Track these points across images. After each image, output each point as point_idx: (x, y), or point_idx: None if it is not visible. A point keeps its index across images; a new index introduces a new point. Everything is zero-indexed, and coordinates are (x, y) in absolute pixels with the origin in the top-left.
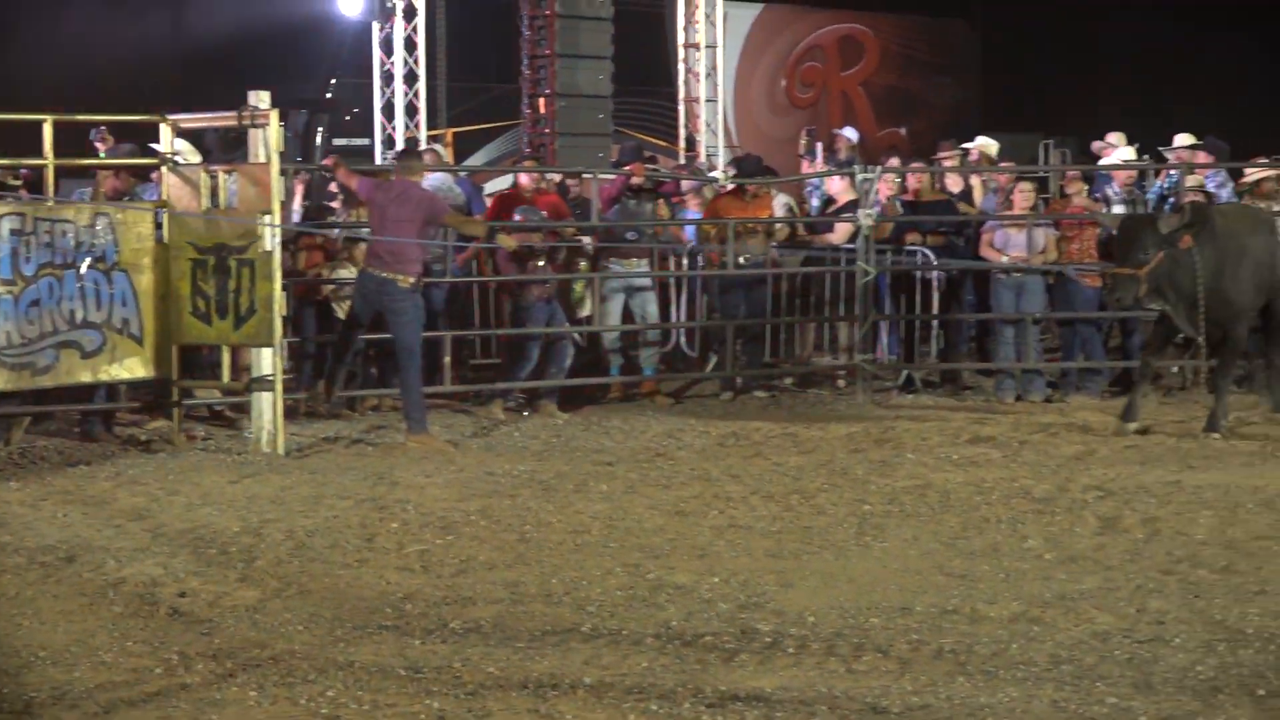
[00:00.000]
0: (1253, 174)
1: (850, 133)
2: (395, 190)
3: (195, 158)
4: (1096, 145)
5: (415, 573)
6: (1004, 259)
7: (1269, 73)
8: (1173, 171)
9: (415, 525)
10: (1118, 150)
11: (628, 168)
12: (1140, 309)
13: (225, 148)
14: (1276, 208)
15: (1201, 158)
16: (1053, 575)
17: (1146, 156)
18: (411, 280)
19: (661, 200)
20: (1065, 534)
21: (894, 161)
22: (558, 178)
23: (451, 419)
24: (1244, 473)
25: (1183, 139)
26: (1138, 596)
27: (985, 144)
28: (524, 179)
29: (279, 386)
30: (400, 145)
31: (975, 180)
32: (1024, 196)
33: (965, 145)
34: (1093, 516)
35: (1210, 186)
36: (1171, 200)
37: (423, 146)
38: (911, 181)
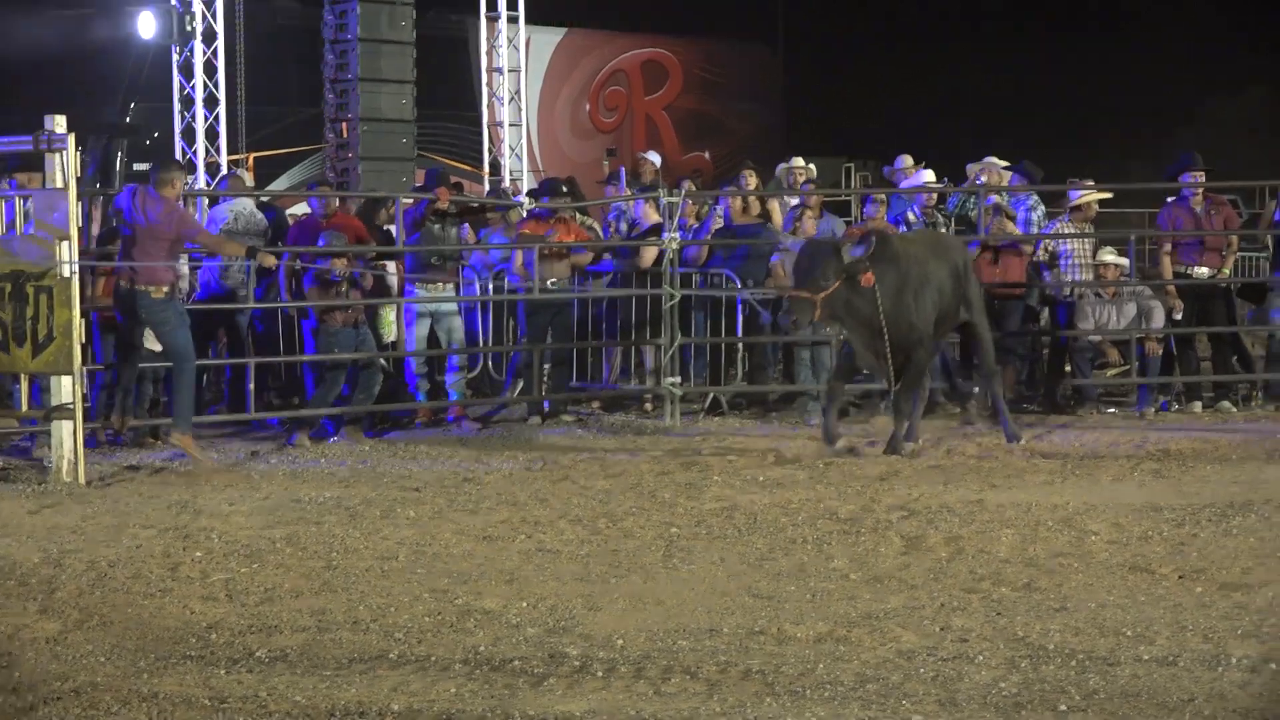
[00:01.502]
0: (1084, 196)
1: (653, 156)
2: (146, 202)
3: None
4: (887, 170)
5: (220, 601)
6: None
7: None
8: (975, 189)
9: (219, 553)
10: (919, 173)
11: (433, 192)
12: (820, 332)
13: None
14: (1089, 229)
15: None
16: (858, 595)
17: (946, 179)
18: (164, 290)
19: (466, 224)
20: (870, 554)
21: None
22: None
23: (256, 445)
24: (1044, 491)
25: (992, 160)
26: (942, 615)
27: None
28: (317, 203)
29: (79, 415)
30: (201, 169)
31: (773, 203)
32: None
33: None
34: (897, 536)
35: (1021, 212)
36: (972, 215)
37: (224, 171)
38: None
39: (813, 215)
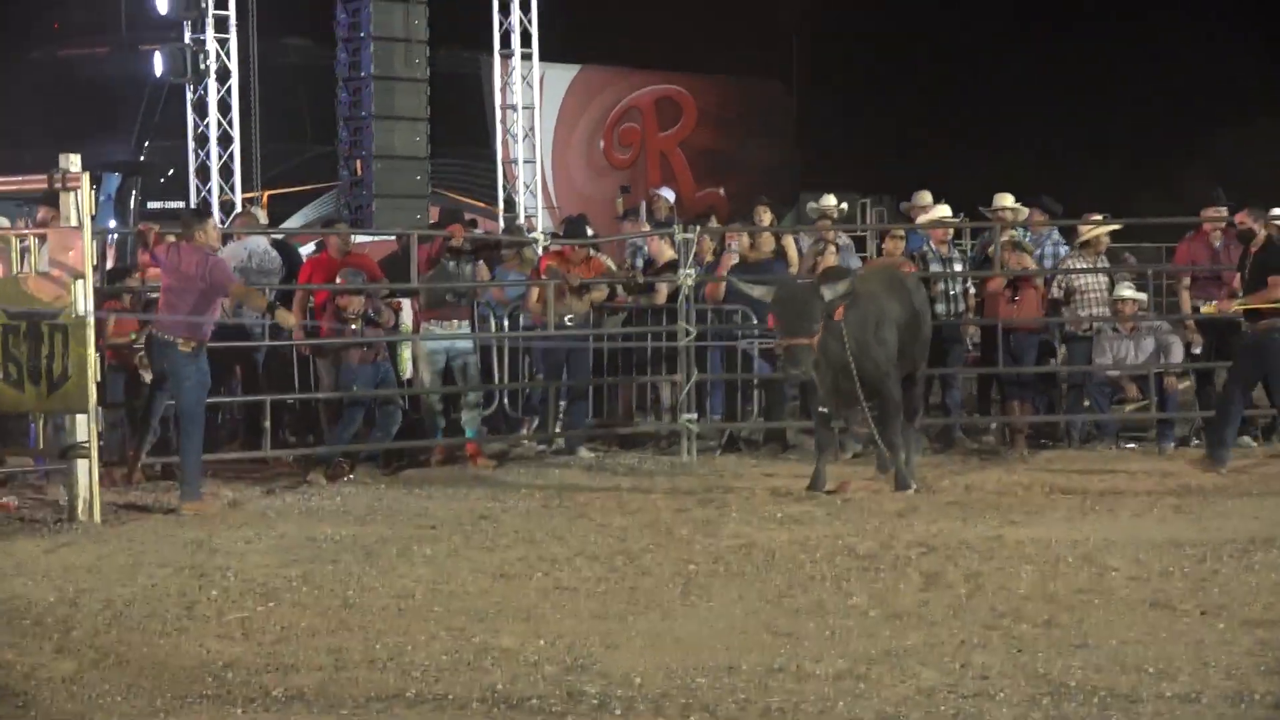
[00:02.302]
0: (1091, 230)
1: (667, 192)
2: (180, 255)
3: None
4: (904, 205)
5: (236, 640)
6: None
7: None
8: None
9: (235, 592)
10: (936, 209)
11: (447, 229)
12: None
13: None
14: (1102, 263)
15: (1037, 218)
16: (877, 632)
17: (962, 215)
18: (193, 345)
19: (481, 262)
20: (889, 590)
21: (712, 222)
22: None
23: (271, 484)
24: (1064, 527)
25: (1002, 199)
26: (962, 652)
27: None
28: (333, 242)
29: (94, 453)
30: (216, 208)
31: (788, 240)
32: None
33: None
34: (916, 573)
35: (1047, 247)
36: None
37: (238, 209)
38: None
39: (832, 251)
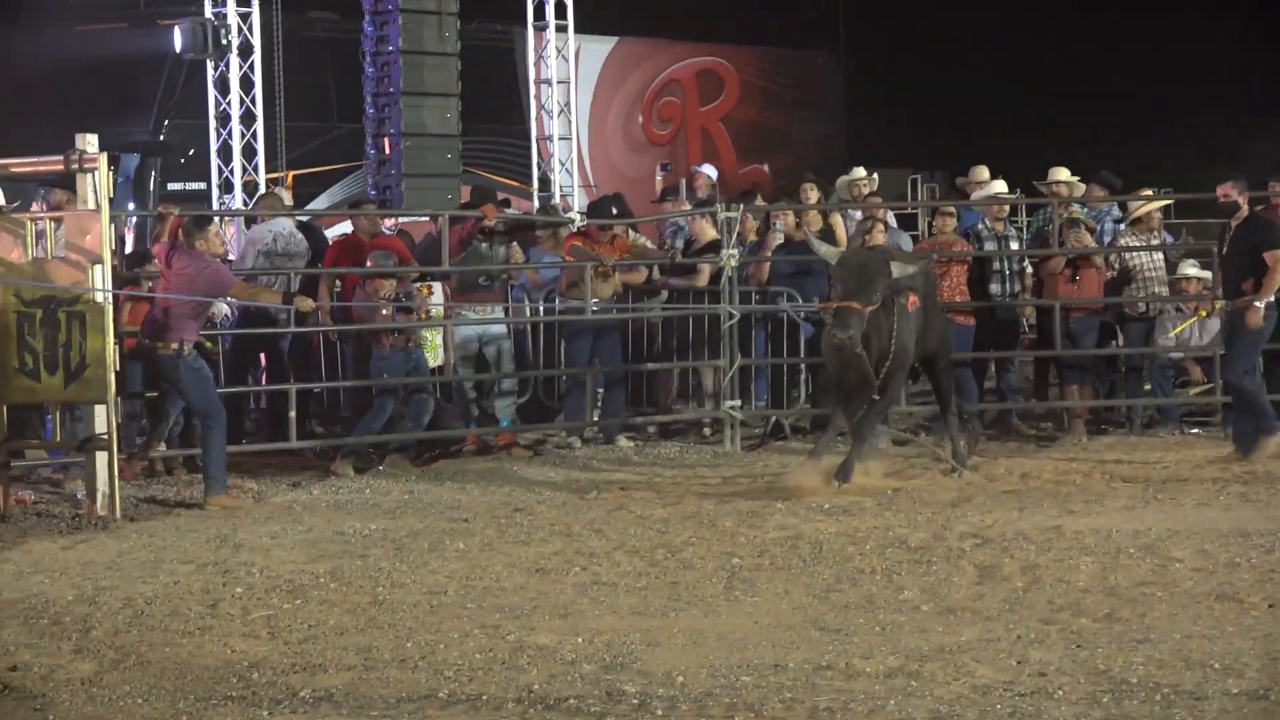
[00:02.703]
0: (1142, 206)
1: (709, 170)
2: (180, 260)
3: None
4: (961, 180)
5: (262, 639)
6: None
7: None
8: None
9: (261, 589)
10: (991, 184)
11: (479, 210)
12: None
13: None
14: (1155, 240)
15: (1096, 193)
16: (930, 627)
17: (1018, 191)
18: (174, 346)
19: (515, 244)
20: (942, 584)
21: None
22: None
23: (298, 476)
24: (1124, 517)
25: (1058, 173)
26: (1019, 648)
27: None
28: (361, 223)
29: (114, 446)
30: (238, 188)
31: (836, 218)
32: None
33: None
34: (970, 565)
35: (1107, 224)
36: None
37: (262, 190)
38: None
39: (881, 229)
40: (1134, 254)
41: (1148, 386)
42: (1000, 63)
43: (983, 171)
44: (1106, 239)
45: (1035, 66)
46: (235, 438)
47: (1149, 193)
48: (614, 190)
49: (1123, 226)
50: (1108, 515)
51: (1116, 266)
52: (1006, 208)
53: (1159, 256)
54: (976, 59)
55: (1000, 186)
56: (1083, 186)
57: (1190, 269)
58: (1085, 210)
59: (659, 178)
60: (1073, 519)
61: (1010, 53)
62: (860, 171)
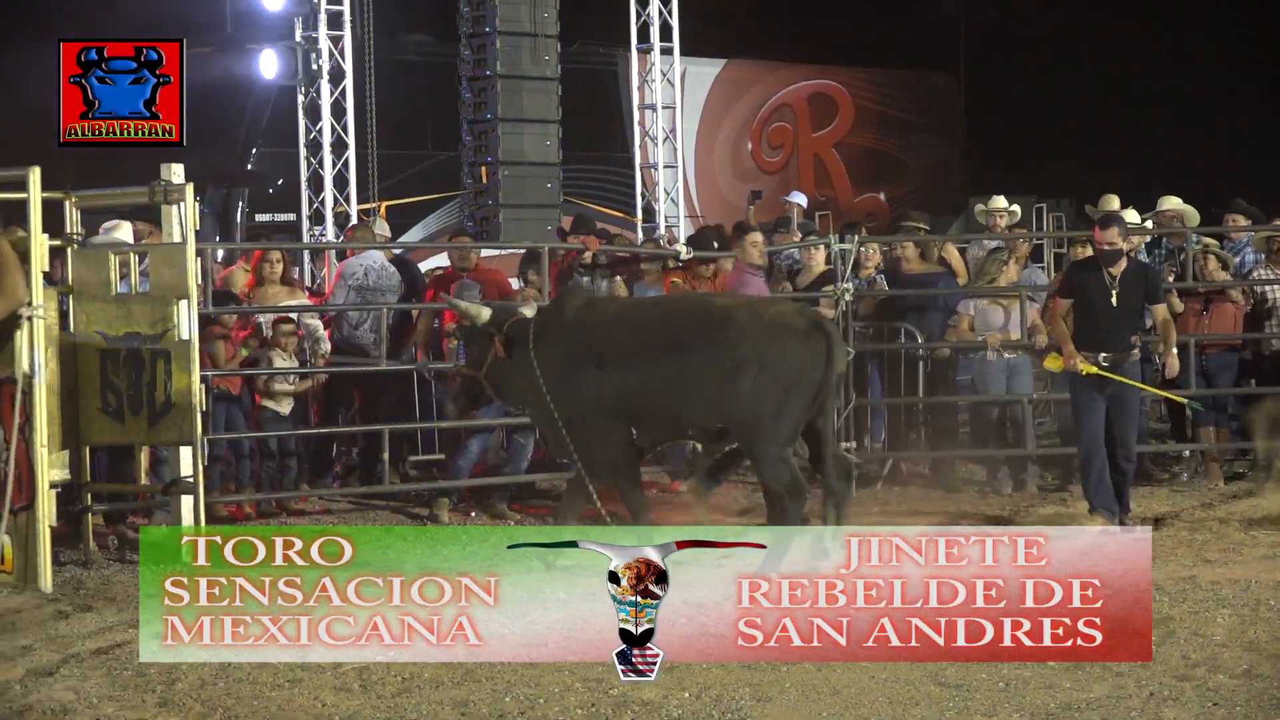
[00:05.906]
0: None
1: (798, 197)
2: None
3: (128, 235)
4: (1089, 209)
5: (354, 693)
6: (980, 338)
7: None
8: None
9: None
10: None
11: (580, 240)
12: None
13: None
14: None
15: (1238, 222)
16: (1057, 683)
17: (1148, 219)
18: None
19: (619, 278)
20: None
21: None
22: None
23: (394, 519)
24: (1264, 567)
25: (1167, 201)
26: (1151, 705)
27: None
28: (453, 256)
29: (200, 488)
30: (329, 219)
31: (951, 248)
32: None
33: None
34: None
35: (1247, 255)
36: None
37: (353, 221)
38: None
39: (1017, 263)
40: (1270, 287)
41: None
42: (1130, 83)
43: (1112, 200)
44: (1244, 270)
45: (1167, 86)
46: (323, 479)
47: None
48: (720, 221)
49: (1259, 259)
50: (1246, 565)
51: (1251, 300)
52: (1139, 239)
53: None
54: (1105, 79)
55: (1133, 216)
56: (1196, 215)
57: None
58: (1221, 242)
59: (749, 208)
60: (1209, 569)
61: (1141, 73)
62: (1000, 201)
